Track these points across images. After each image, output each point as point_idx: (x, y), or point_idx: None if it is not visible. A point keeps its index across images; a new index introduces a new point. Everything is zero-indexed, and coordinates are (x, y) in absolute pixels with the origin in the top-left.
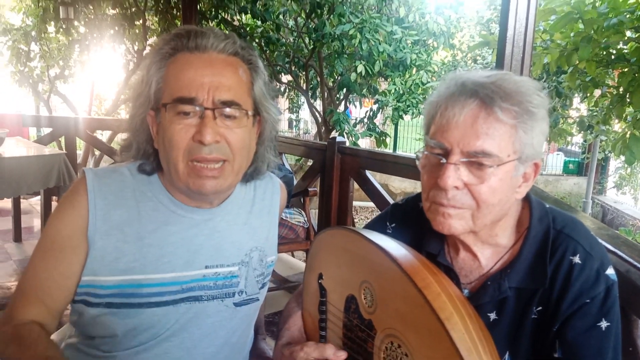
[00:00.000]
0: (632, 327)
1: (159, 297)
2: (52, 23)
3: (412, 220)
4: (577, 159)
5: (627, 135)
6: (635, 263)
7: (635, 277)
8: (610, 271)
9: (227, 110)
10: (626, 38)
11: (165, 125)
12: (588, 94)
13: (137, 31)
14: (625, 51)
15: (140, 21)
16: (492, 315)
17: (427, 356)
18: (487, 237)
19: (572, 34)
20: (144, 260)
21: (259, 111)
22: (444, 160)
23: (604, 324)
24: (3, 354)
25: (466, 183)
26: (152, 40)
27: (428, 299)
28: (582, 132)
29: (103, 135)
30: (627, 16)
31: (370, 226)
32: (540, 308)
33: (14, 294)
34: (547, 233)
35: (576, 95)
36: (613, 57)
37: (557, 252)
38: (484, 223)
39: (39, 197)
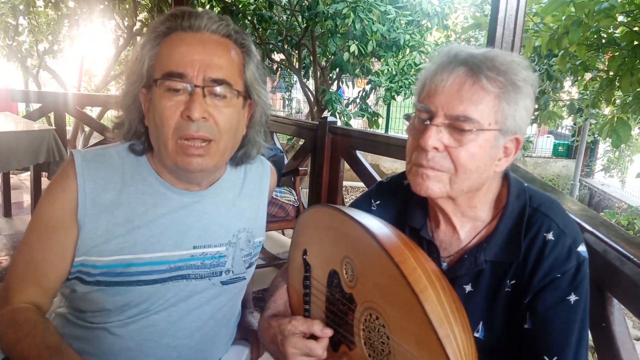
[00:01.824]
0: (607, 303)
1: (147, 275)
2: None
3: (396, 197)
4: (566, 142)
5: (615, 119)
6: (612, 243)
7: (611, 256)
8: (582, 248)
9: (217, 89)
10: (617, 22)
11: (155, 102)
12: (578, 78)
13: (127, 6)
14: (616, 35)
15: None
16: (468, 287)
17: (402, 327)
18: (466, 207)
19: (563, 18)
20: (133, 241)
21: (250, 94)
22: (427, 122)
23: (572, 298)
24: (1, 339)
25: (446, 145)
26: (142, 15)
27: (404, 273)
28: (572, 115)
29: (93, 112)
30: (619, 0)
31: (356, 204)
32: (513, 282)
33: (8, 276)
34: (524, 210)
35: (567, 78)
36: (603, 41)
37: (532, 229)
38: (461, 189)
39: (28, 173)
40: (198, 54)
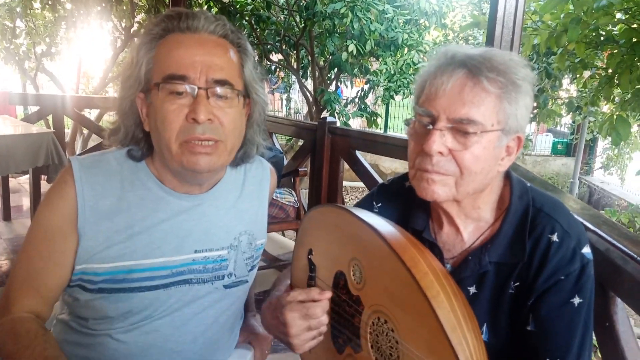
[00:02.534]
0: (610, 303)
1: (149, 281)
2: None
3: (398, 199)
4: (565, 140)
5: (614, 117)
6: (615, 242)
7: (614, 255)
8: (586, 250)
9: (220, 90)
10: (615, 20)
11: (157, 106)
12: (577, 75)
13: (124, 8)
14: (615, 33)
15: None
16: (472, 289)
17: (413, 332)
18: (470, 209)
19: (562, 15)
20: (134, 247)
21: (249, 93)
22: (430, 127)
23: (576, 300)
24: (0, 349)
25: (450, 149)
26: (139, 17)
27: (416, 278)
28: (570, 113)
29: (91, 114)
30: None
31: (358, 206)
32: (517, 283)
33: (8, 284)
34: (527, 210)
35: (566, 76)
36: (602, 38)
37: (536, 230)
38: (467, 191)
39: (27, 176)
40: (199, 56)
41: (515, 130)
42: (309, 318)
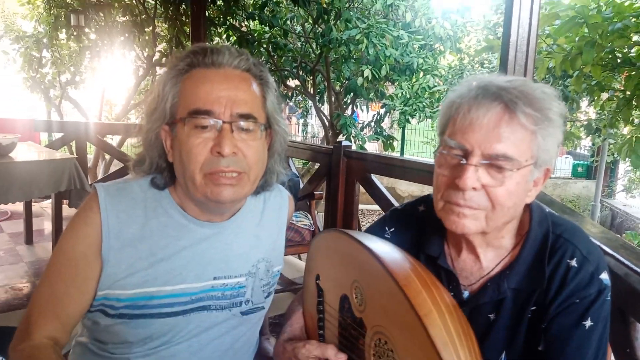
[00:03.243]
0: (630, 329)
1: (169, 307)
2: (64, 30)
3: (410, 225)
4: (585, 162)
5: (633, 139)
6: (634, 267)
7: (633, 280)
8: (604, 276)
9: (244, 123)
10: (632, 42)
11: (182, 139)
12: (595, 98)
13: (146, 38)
14: (631, 55)
15: (150, 28)
16: (492, 316)
17: (408, 350)
18: (493, 238)
19: (576, 39)
20: (155, 274)
21: (271, 124)
22: (464, 161)
23: (587, 323)
24: None
25: (484, 185)
26: (161, 46)
27: (408, 297)
28: (590, 135)
29: (113, 140)
30: (633, 20)
31: (370, 231)
32: (534, 307)
33: (29, 308)
34: (547, 236)
35: (583, 98)
36: (619, 60)
37: (555, 255)
38: (496, 225)
39: (49, 201)
40: (224, 91)
41: (546, 163)
42: None
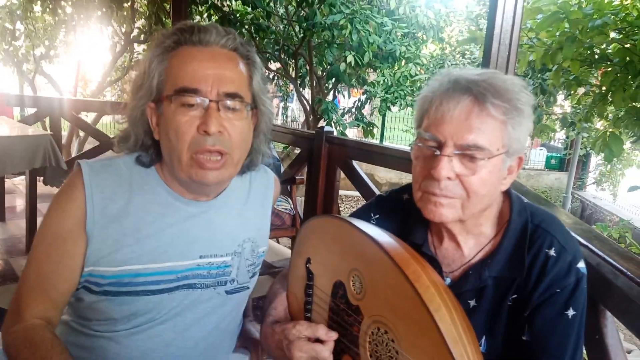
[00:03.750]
0: (600, 316)
1: (154, 285)
2: (39, 2)
3: (395, 212)
4: (559, 155)
5: (607, 134)
6: (605, 256)
7: (605, 269)
8: (581, 265)
9: (230, 102)
10: (610, 39)
11: (169, 117)
12: (572, 92)
13: (125, 13)
14: (609, 52)
15: (129, 3)
16: (472, 302)
17: (415, 343)
18: (472, 226)
19: (557, 33)
20: (141, 251)
21: (257, 104)
22: (437, 152)
23: (570, 313)
24: (17, 358)
25: (458, 174)
26: (139, 23)
27: (419, 292)
28: (564, 128)
29: (88, 117)
30: (611, 17)
31: (355, 216)
32: (515, 296)
33: (18, 289)
34: (526, 226)
35: (560, 92)
36: (597, 56)
37: (534, 245)
38: (472, 212)
39: (22, 177)
40: (210, 69)
41: (517, 152)
42: (316, 359)
